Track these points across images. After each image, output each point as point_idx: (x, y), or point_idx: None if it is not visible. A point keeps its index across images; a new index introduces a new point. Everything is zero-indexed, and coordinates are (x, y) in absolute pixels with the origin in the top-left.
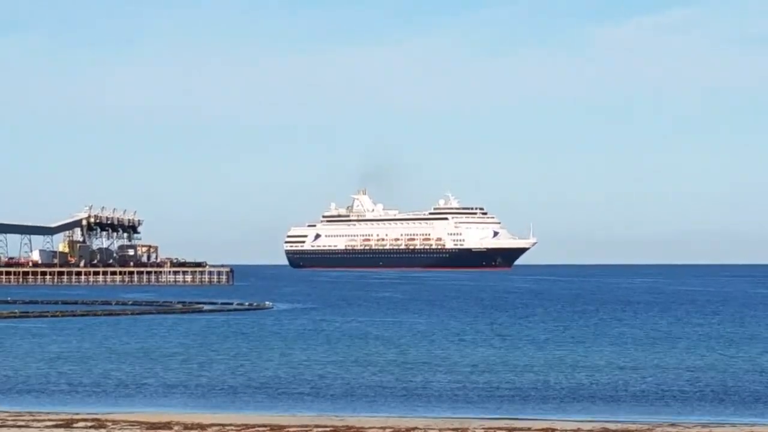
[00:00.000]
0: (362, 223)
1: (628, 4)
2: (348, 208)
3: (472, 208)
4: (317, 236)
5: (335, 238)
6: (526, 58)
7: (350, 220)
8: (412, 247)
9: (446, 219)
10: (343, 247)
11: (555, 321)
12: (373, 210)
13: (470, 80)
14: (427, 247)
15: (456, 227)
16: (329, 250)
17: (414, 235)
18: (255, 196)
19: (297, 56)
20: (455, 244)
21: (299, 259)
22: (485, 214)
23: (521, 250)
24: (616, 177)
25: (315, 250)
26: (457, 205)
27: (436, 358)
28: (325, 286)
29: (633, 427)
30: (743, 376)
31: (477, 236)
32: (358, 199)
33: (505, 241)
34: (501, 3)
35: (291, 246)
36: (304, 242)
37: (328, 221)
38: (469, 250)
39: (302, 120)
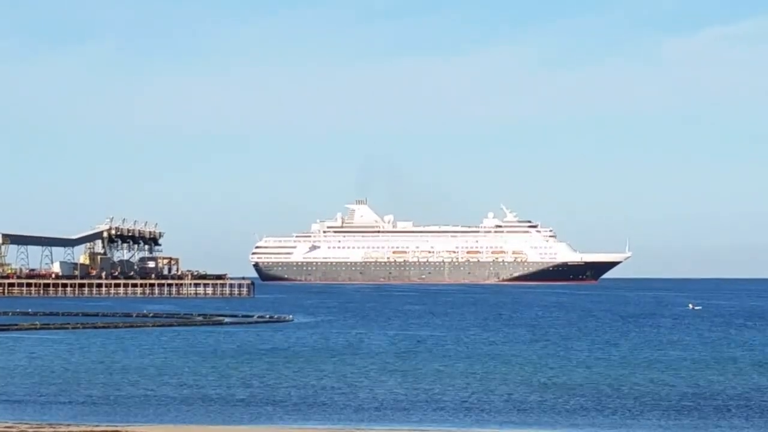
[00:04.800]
0: (389, 234)
1: (698, 16)
2: (342, 218)
3: (532, 222)
4: (313, 247)
5: (346, 250)
6: (596, 70)
7: (373, 231)
8: (475, 260)
9: (528, 232)
10: (360, 259)
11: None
12: (390, 222)
13: (537, 92)
14: (499, 259)
15: (546, 240)
16: (337, 261)
17: (477, 247)
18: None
19: (349, 67)
20: (542, 257)
21: (283, 272)
22: (535, 226)
23: (613, 264)
24: (683, 189)
25: (311, 261)
26: (513, 219)
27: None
28: (348, 298)
29: None
30: None
31: (569, 249)
32: (357, 210)
33: (600, 255)
34: (569, 15)
35: (266, 258)
36: (291, 254)
37: (335, 232)
38: (565, 264)
39: (326, 131)
